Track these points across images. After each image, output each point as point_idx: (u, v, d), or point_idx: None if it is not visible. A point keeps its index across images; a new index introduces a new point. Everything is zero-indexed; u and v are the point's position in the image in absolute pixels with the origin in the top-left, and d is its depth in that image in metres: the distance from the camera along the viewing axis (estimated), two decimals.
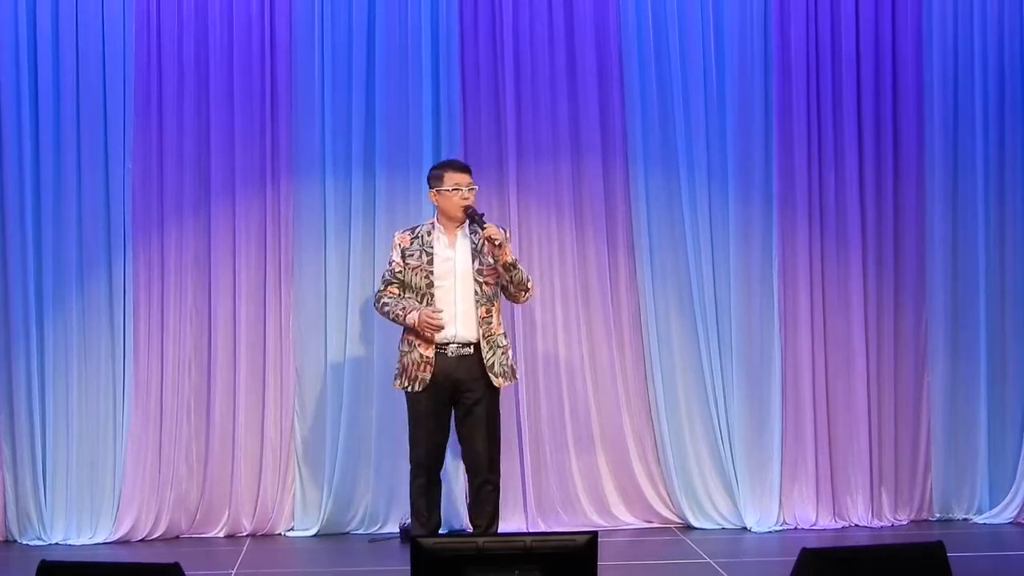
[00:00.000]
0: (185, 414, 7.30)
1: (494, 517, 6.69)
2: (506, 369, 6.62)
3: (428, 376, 6.55)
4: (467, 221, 6.63)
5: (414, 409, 6.65)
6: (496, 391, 6.63)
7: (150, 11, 7.28)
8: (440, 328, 6.51)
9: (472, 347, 6.58)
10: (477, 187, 6.75)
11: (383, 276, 6.79)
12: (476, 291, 6.57)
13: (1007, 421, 7.62)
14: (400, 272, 6.68)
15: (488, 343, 6.57)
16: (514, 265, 6.56)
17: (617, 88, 7.51)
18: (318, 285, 7.43)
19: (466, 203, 6.61)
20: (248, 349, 7.34)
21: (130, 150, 7.26)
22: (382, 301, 6.69)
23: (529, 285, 6.67)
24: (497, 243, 6.51)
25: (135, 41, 7.26)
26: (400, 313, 6.58)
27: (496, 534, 6.46)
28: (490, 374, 6.57)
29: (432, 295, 6.60)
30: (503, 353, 6.61)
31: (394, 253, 6.74)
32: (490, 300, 6.59)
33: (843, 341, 7.49)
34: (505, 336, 6.68)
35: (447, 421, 6.67)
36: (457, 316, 6.56)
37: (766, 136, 7.51)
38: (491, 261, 6.58)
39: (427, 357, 6.56)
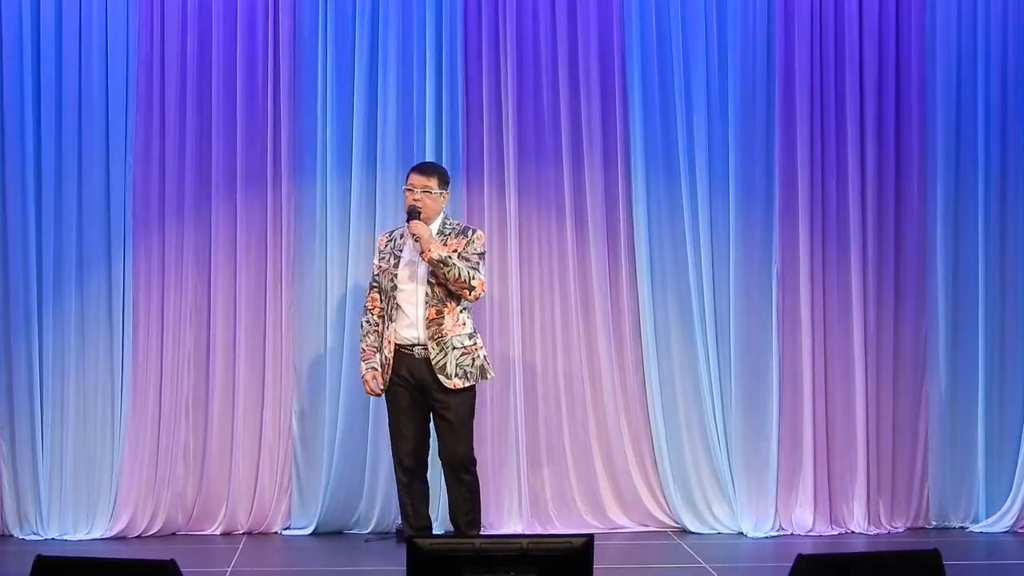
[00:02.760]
0: (183, 411, 7.30)
1: (473, 518, 6.69)
2: (467, 370, 6.58)
3: (387, 378, 6.62)
4: (436, 224, 6.65)
5: (390, 408, 6.72)
6: (465, 392, 6.60)
7: (153, 7, 7.28)
8: (373, 394, 6.69)
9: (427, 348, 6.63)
10: (440, 193, 6.66)
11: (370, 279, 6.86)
12: (427, 293, 6.58)
13: (1005, 430, 7.62)
14: (377, 275, 6.74)
15: (438, 345, 6.56)
16: (443, 262, 6.50)
17: (619, 92, 7.51)
18: (318, 284, 7.43)
19: (413, 204, 6.62)
20: (247, 347, 7.34)
21: (131, 147, 7.27)
22: (361, 320, 6.80)
23: (474, 284, 6.56)
24: (415, 238, 6.54)
25: (138, 38, 7.27)
26: (362, 349, 6.73)
27: (492, 536, 6.46)
28: (440, 375, 6.55)
29: (395, 298, 6.63)
30: (463, 354, 6.58)
31: (375, 256, 6.83)
32: (442, 302, 6.57)
33: (842, 348, 7.49)
34: (471, 336, 6.63)
35: (424, 420, 6.69)
36: (419, 319, 6.58)
37: (768, 142, 7.51)
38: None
39: (388, 359, 6.62)
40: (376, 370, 6.66)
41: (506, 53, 7.43)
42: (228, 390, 7.34)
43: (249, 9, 7.37)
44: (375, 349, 6.69)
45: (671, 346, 7.52)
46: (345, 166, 7.43)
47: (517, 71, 7.45)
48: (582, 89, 7.49)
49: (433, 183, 6.66)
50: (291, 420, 7.40)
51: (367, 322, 6.74)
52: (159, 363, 7.27)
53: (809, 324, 7.47)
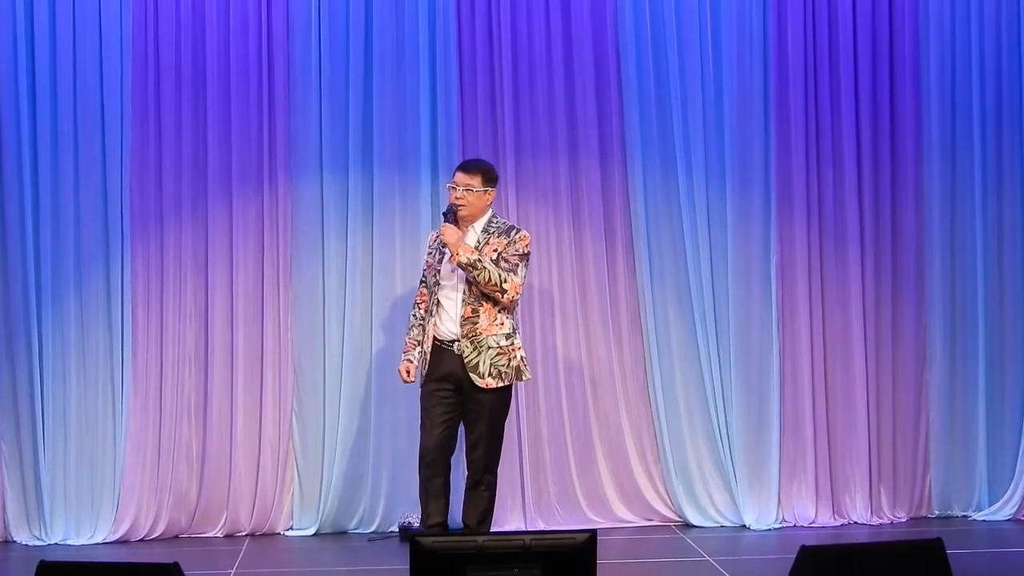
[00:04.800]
0: (184, 413, 7.30)
1: (484, 518, 6.66)
2: (502, 370, 6.54)
3: (424, 371, 6.61)
4: (482, 221, 6.64)
5: (422, 403, 6.68)
6: (498, 392, 6.57)
7: (147, 10, 7.28)
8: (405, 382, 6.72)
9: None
10: (484, 191, 6.60)
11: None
12: (464, 291, 6.57)
13: (1006, 418, 7.62)
14: (425, 271, 6.76)
15: (472, 343, 6.53)
16: (472, 266, 6.48)
17: (615, 86, 7.51)
18: (316, 284, 7.43)
19: (453, 203, 6.61)
20: (246, 348, 7.34)
21: (127, 150, 7.26)
22: (409, 313, 6.81)
23: (506, 287, 6.51)
24: (442, 244, 6.57)
25: (132, 40, 7.26)
26: (405, 341, 6.74)
27: (494, 533, 6.45)
28: (472, 374, 6.52)
29: (436, 294, 6.63)
30: (499, 354, 6.54)
31: (424, 252, 6.83)
32: (478, 300, 6.54)
33: (842, 338, 7.50)
34: (508, 337, 6.56)
35: (453, 420, 6.63)
36: (456, 316, 6.57)
37: (764, 134, 7.52)
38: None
39: (426, 353, 6.61)
40: (411, 363, 6.66)
41: (500, 48, 7.43)
42: (228, 391, 7.34)
43: (243, 10, 7.36)
44: (416, 343, 6.68)
45: (671, 340, 7.52)
46: (342, 165, 7.42)
47: (512, 66, 7.45)
48: (577, 83, 7.49)
49: (476, 181, 6.62)
50: (291, 420, 7.40)
51: (413, 316, 6.74)
52: (159, 365, 7.27)
53: (808, 315, 7.47)
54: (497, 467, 6.70)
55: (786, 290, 7.49)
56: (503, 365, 6.55)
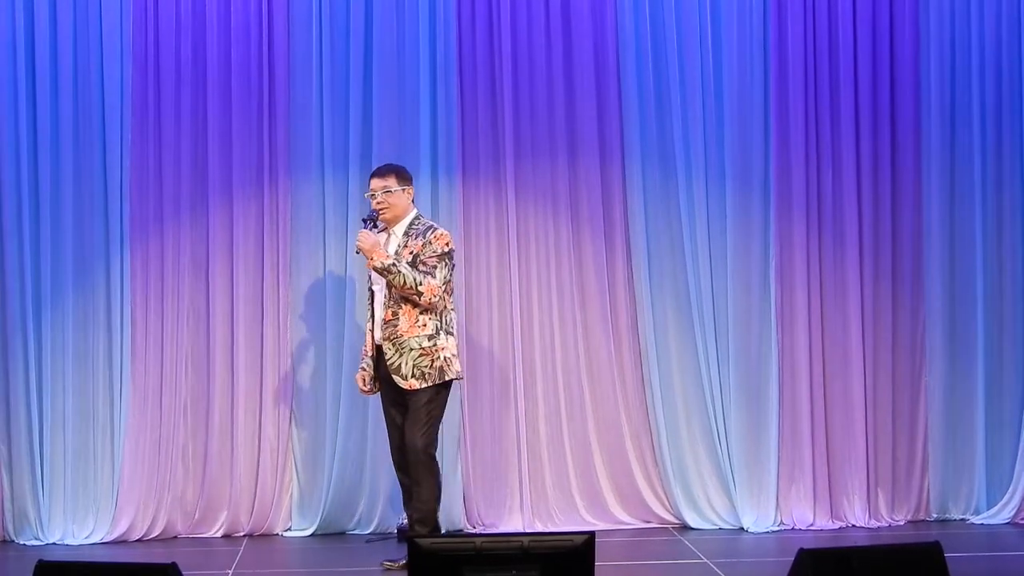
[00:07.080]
0: (183, 414, 7.30)
1: (420, 511, 6.52)
2: (425, 371, 6.50)
3: (373, 374, 6.63)
4: (404, 224, 6.62)
5: (382, 406, 6.74)
6: (426, 391, 6.50)
7: (147, 10, 7.28)
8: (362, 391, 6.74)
9: None
10: (402, 190, 6.58)
11: None
12: (386, 295, 6.56)
13: (1004, 422, 7.62)
14: None
15: (394, 346, 6.52)
16: (387, 270, 6.46)
17: (614, 87, 7.51)
18: (316, 285, 7.43)
19: (374, 209, 6.61)
20: (246, 349, 7.34)
21: (127, 150, 7.26)
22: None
23: (421, 289, 6.45)
24: (357, 251, 6.57)
25: (132, 41, 7.27)
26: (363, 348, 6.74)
27: (493, 534, 6.44)
28: (396, 376, 6.52)
29: (369, 298, 6.66)
30: (421, 355, 6.49)
31: None
32: (397, 304, 6.52)
33: (840, 341, 7.49)
34: (431, 338, 6.50)
35: (400, 419, 6.61)
36: (379, 320, 6.59)
37: (764, 135, 7.52)
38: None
39: (372, 357, 6.63)
40: (364, 370, 6.68)
41: (500, 49, 7.43)
42: (227, 392, 7.34)
43: (243, 11, 7.36)
44: (366, 352, 6.71)
45: (670, 341, 7.52)
46: (342, 166, 7.43)
47: (512, 66, 7.44)
48: (577, 83, 7.49)
49: (391, 182, 6.62)
50: (290, 421, 7.40)
51: (368, 322, 6.74)
52: (158, 365, 7.27)
53: (807, 317, 7.47)
54: (433, 449, 6.59)
55: (785, 292, 7.49)
56: (426, 366, 6.51)
